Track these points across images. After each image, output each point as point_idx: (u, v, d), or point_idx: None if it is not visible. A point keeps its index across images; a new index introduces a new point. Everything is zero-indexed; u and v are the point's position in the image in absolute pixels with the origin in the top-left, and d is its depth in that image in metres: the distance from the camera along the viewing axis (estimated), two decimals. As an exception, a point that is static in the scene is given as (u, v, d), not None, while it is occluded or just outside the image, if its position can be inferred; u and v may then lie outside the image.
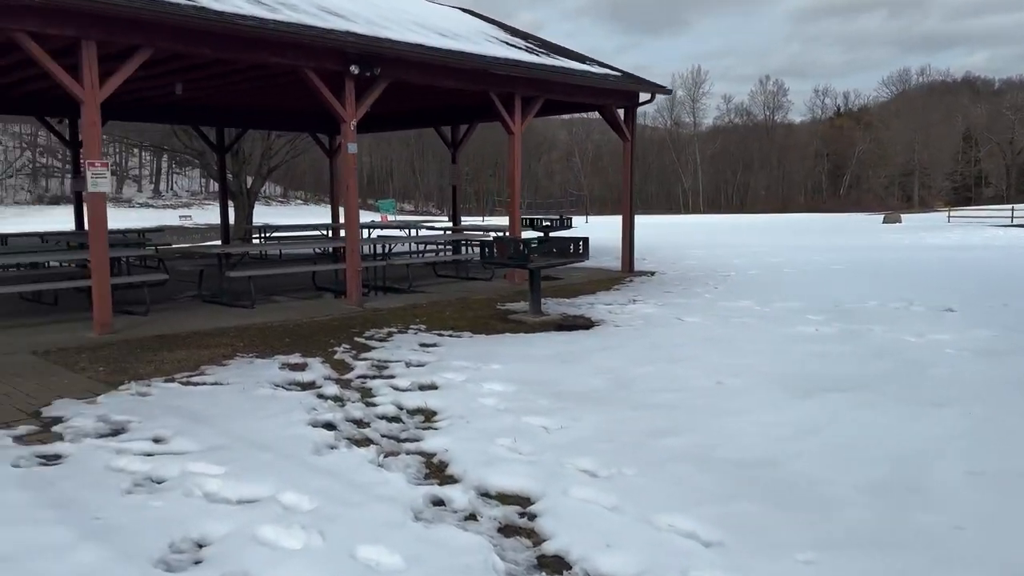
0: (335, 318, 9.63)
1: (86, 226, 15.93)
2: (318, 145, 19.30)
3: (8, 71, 11.78)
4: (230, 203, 19.79)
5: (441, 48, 10.89)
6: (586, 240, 9.07)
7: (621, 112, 14.33)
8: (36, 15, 7.49)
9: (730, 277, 13.90)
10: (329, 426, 5.27)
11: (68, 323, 9.11)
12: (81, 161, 16.08)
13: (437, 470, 4.52)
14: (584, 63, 14.04)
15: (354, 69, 9.90)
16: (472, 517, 3.88)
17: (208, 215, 56.51)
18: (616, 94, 13.97)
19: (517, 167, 12.52)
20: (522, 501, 4.07)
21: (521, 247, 8.83)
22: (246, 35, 8.87)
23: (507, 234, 13.89)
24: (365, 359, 7.24)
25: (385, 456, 4.67)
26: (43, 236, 14.08)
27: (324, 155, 19.88)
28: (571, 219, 18.07)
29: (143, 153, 64.55)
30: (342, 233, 19.40)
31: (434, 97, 14.86)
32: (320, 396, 6.00)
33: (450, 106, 16.21)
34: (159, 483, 4.28)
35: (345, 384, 6.37)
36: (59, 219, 46.74)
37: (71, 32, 7.78)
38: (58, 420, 5.38)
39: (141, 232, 15.13)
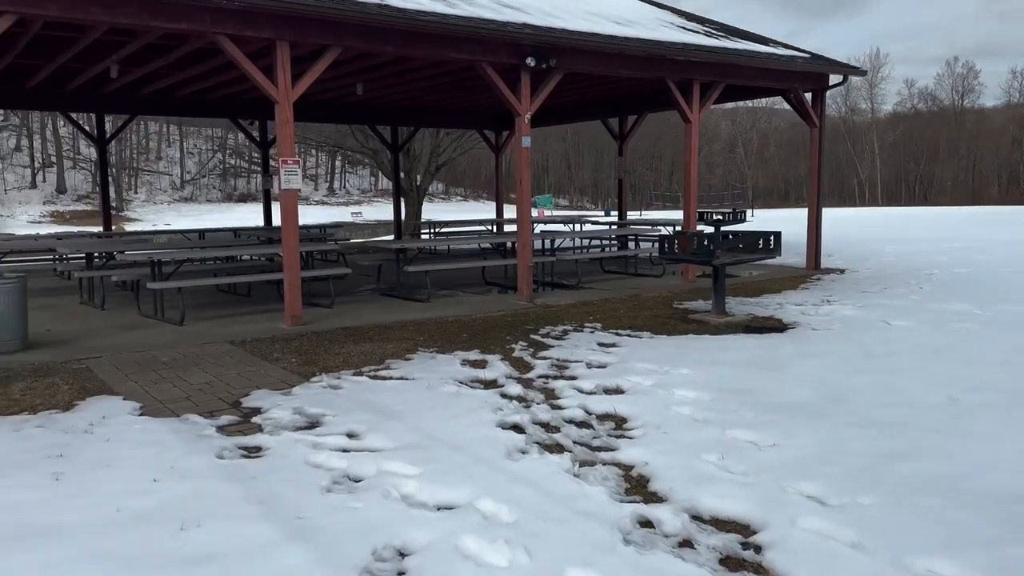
0: (507, 313, 9.50)
1: (274, 222, 16.95)
2: (485, 141, 19.47)
3: (207, 76, 12.63)
4: (401, 200, 20.37)
5: (617, 36, 10.49)
6: (778, 235, 8.36)
7: (808, 96, 13.29)
8: (236, 18, 7.84)
9: (935, 276, 12.52)
10: (517, 428, 5.04)
11: (260, 314, 9.57)
12: (272, 159, 17.08)
13: (638, 485, 4.15)
14: (767, 45, 13.14)
15: (530, 61, 9.71)
16: (687, 544, 3.48)
17: (377, 212, 59.32)
18: (804, 77, 12.96)
19: (694, 158, 11.89)
20: (741, 529, 3.62)
21: (706, 242, 8.27)
22: (427, 31, 8.89)
23: (680, 228, 13.29)
24: (544, 358, 7.00)
25: (580, 466, 4.37)
26: (236, 231, 15.04)
27: (488, 152, 20.01)
28: (745, 212, 17.14)
29: (319, 153, 68.70)
30: (506, 228, 19.56)
31: (603, 88, 14.49)
32: (504, 396, 5.80)
33: (618, 96, 15.76)
34: (357, 482, 4.21)
35: (527, 384, 6.14)
36: (246, 215, 50.68)
37: (267, 34, 8.08)
38: (257, 411, 5.51)
39: (323, 228, 15.85)
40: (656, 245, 14.74)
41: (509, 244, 13.52)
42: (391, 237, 27.89)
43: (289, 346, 7.68)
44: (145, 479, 4.17)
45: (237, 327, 8.72)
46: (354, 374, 6.53)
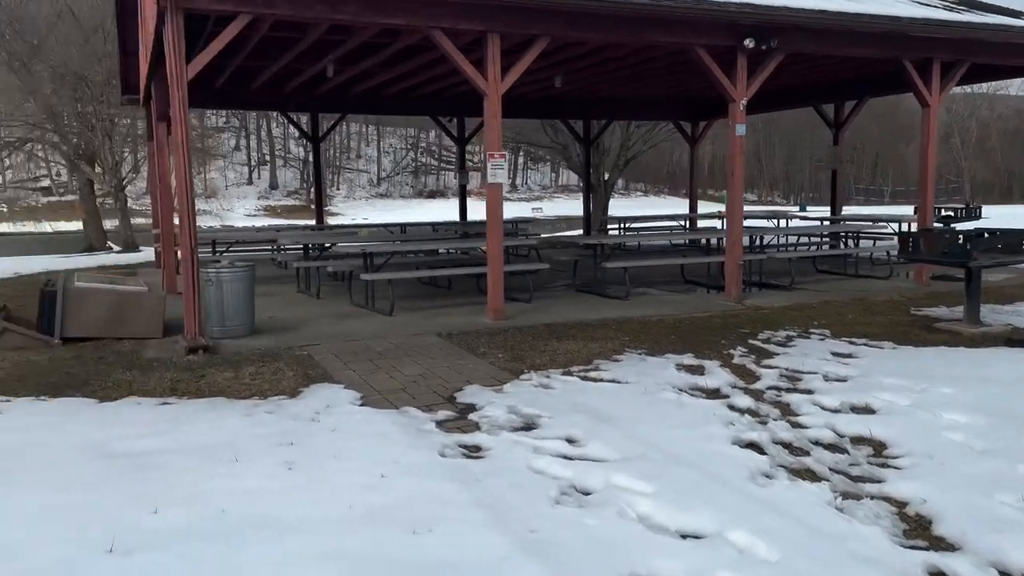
0: (715, 315, 8.87)
1: (468, 217, 17.28)
2: (680, 133, 18.72)
3: (413, 74, 12.97)
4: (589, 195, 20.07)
5: (847, 12, 9.47)
6: (1050, 233, 7.14)
7: (1073, 74, 11.45)
8: (452, 11, 7.82)
9: None
10: (755, 447, 4.51)
11: (462, 307, 9.60)
12: (470, 157, 17.43)
13: (919, 527, 3.51)
14: (1020, 18, 11.44)
15: (748, 43, 8.99)
16: (1004, 610, 2.84)
17: (556, 207, 59.61)
18: (1069, 51, 11.15)
19: (932, 146, 10.56)
20: (1071, 596, 2.92)
21: (960, 241, 7.21)
22: (639, 15, 8.46)
23: (908, 225, 11.99)
24: (769, 367, 6.36)
25: (843, 498, 3.78)
26: (434, 225, 15.41)
27: (671, 145, 19.21)
28: (979, 208, 15.23)
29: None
30: (700, 224, 18.70)
31: (820, 70, 13.33)
32: (731, 408, 5.27)
33: (836, 79, 14.45)
34: (585, 494, 3.89)
35: (757, 396, 5.56)
36: (435, 210, 52.79)
37: (480, 26, 8.01)
38: (472, 407, 5.37)
39: (514, 223, 15.90)
40: (875, 243, 13.44)
41: (714, 240, 12.80)
42: (575, 232, 27.75)
43: (494, 341, 7.56)
44: (372, 474, 4.10)
45: (441, 319, 8.78)
46: (563, 373, 6.26)
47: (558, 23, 8.32)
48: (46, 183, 50.46)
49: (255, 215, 58.30)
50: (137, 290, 7.75)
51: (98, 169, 23.34)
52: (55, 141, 23.15)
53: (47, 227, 39.33)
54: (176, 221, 8.18)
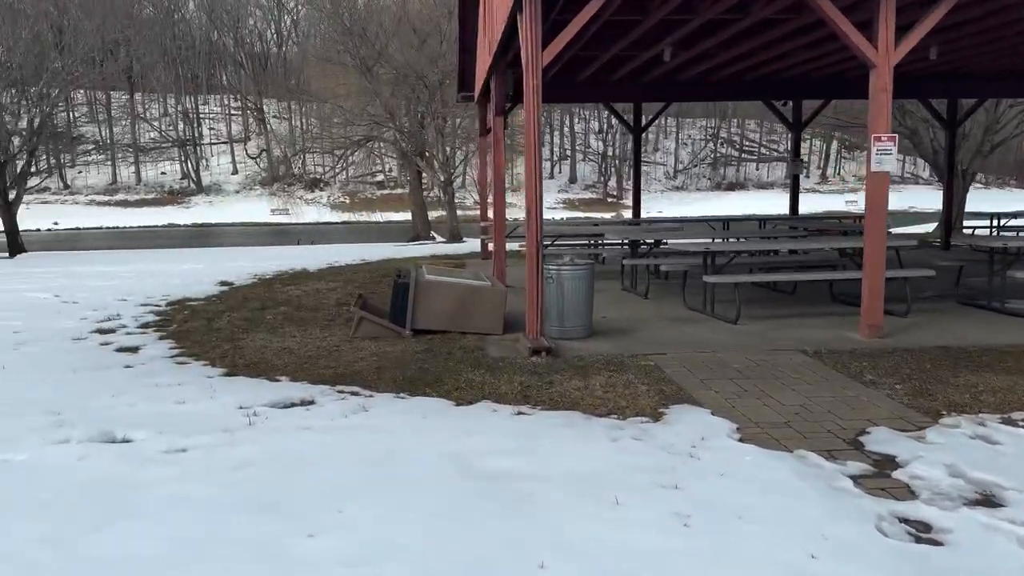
0: None
1: (799, 211, 15.55)
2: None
3: (747, 56, 11.74)
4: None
5: None
6: None
7: None
8: (839, -33, 6.57)
9: None
10: None
11: (816, 317, 8.25)
12: (800, 145, 15.56)
13: None
14: None
15: None
16: None
17: (876, 200, 53.55)
18: None
19: None
20: None
21: None
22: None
23: None
24: None
25: None
26: (761, 220, 13.99)
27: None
28: None
29: (813, 138, 64.94)
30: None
31: None
32: None
33: None
34: None
35: None
36: (734, 203, 50.30)
37: (872, -18, 6.64)
38: (891, 460, 4.19)
39: (855, 218, 13.91)
40: None
41: None
42: (908, 229, 24.15)
43: (879, 365, 6.19)
44: (797, 550, 3.16)
45: (797, 332, 7.54)
46: (1002, 421, 4.79)
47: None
48: (380, 177, 56.58)
49: (555, 208, 60.21)
50: (481, 284, 7.59)
51: (423, 163, 25.12)
52: (395, 138, 25.32)
53: (379, 217, 43.84)
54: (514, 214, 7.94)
